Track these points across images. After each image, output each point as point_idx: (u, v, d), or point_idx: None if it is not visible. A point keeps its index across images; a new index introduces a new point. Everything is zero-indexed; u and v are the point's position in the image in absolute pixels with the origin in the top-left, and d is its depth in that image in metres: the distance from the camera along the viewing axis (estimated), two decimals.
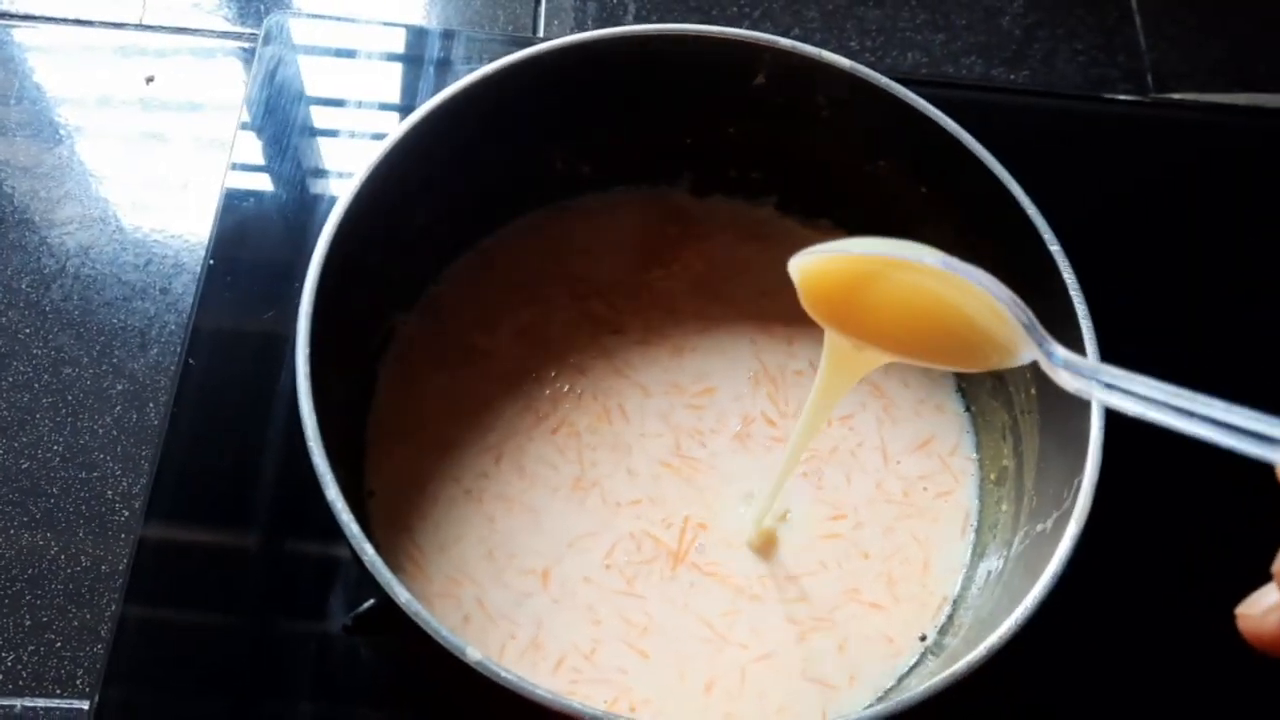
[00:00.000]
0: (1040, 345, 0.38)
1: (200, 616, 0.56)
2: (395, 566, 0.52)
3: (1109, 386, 0.35)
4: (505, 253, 0.62)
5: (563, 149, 0.61)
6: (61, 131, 0.72)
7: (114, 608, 0.56)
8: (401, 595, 0.41)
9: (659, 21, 0.80)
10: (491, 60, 0.55)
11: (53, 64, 0.75)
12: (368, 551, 0.42)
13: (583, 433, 0.57)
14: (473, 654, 0.40)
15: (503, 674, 0.40)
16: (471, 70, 0.54)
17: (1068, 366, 0.37)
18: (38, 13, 0.76)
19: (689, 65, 0.57)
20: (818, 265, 0.42)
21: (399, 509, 0.54)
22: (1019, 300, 0.39)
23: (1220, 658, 0.59)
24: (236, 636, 0.55)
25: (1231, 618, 0.33)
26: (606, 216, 0.63)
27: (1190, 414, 0.32)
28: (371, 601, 0.52)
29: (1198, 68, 0.81)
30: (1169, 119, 0.79)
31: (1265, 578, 0.33)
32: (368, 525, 0.53)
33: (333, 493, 0.43)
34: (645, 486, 0.56)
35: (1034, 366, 0.54)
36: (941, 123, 0.55)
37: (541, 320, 0.61)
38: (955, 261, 0.39)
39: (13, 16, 0.76)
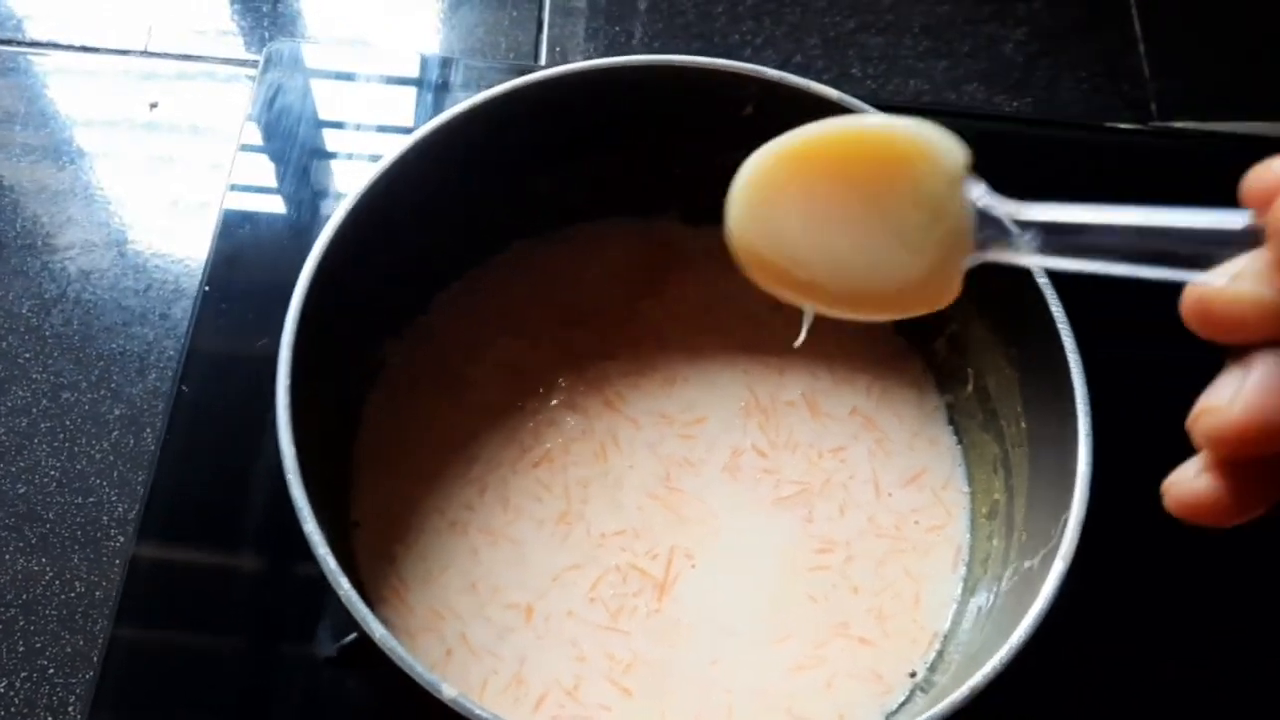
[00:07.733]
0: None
1: (190, 640, 0.56)
2: (378, 599, 0.52)
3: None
4: (495, 282, 0.62)
5: (553, 178, 0.61)
6: (65, 158, 0.73)
7: (105, 630, 0.56)
8: (377, 631, 0.41)
9: (663, 49, 0.80)
10: (488, 88, 0.55)
11: (58, 90, 0.76)
12: (344, 586, 0.42)
13: (569, 465, 0.57)
14: (448, 691, 0.40)
15: (477, 712, 0.40)
16: (468, 98, 0.54)
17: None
18: (45, 39, 0.77)
19: (680, 96, 0.57)
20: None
21: (384, 540, 0.54)
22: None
23: (1208, 695, 0.59)
24: (227, 661, 0.55)
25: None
26: (597, 246, 0.63)
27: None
28: (355, 635, 0.52)
29: (1201, 97, 0.81)
30: (1172, 148, 0.78)
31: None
32: (352, 556, 0.53)
33: (310, 526, 0.43)
34: (631, 518, 0.56)
35: (1024, 400, 0.54)
36: None
37: (530, 350, 0.60)
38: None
39: (20, 43, 0.77)
